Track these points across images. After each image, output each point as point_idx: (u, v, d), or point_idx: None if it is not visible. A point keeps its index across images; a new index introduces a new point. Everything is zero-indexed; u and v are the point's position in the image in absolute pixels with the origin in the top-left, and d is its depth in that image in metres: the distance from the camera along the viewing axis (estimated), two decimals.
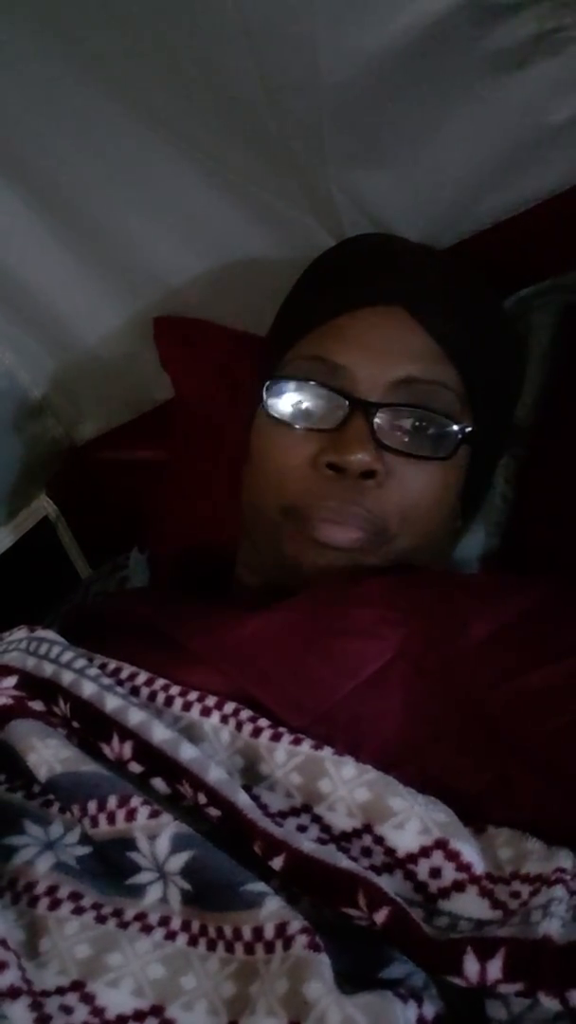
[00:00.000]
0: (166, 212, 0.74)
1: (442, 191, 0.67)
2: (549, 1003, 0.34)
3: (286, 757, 0.45)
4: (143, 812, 0.42)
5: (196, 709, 0.48)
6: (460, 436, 0.58)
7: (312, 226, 0.71)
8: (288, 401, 0.59)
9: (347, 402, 0.57)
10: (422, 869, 0.41)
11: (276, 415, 0.59)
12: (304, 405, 0.59)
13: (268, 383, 0.60)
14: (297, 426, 0.59)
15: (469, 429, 0.59)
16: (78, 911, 0.40)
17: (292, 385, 0.59)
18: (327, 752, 0.45)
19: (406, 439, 0.58)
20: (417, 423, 0.58)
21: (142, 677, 0.50)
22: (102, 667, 0.50)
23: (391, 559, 0.58)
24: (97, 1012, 0.37)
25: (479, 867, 0.41)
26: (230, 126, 0.65)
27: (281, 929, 0.38)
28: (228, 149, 0.67)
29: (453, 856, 0.41)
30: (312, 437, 0.58)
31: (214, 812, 0.43)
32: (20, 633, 0.53)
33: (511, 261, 0.68)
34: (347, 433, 0.56)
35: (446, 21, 0.54)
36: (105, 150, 0.70)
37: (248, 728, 0.47)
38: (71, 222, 0.76)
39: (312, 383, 0.58)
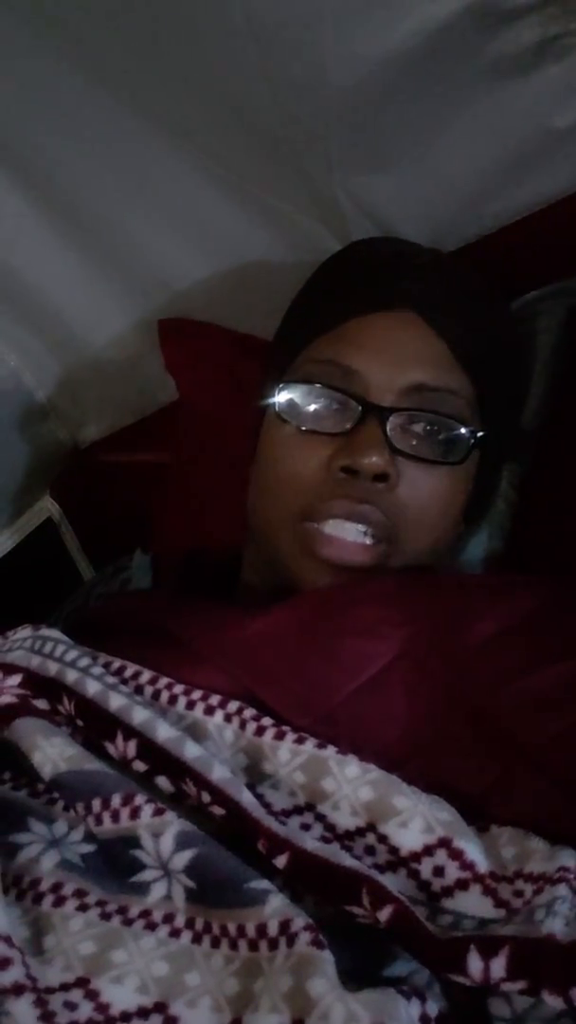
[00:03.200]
0: (172, 215, 0.74)
1: (447, 195, 0.67)
2: (553, 1001, 0.34)
3: (290, 756, 0.45)
4: (147, 810, 0.42)
5: (200, 708, 0.48)
6: (472, 441, 0.59)
7: (318, 230, 0.71)
8: (300, 405, 0.59)
9: (360, 406, 0.57)
10: (425, 868, 0.42)
11: (288, 418, 0.59)
12: (316, 409, 0.59)
13: (280, 387, 0.59)
14: (310, 430, 0.58)
15: (480, 434, 0.59)
16: (82, 908, 0.40)
17: (304, 389, 0.59)
18: (330, 751, 0.45)
19: (418, 444, 0.58)
20: (429, 427, 0.58)
21: (146, 676, 0.50)
22: (106, 666, 0.51)
23: (396, 564, 0.58)
24: (101, 1008, 0.37)
25: (482, 866, 0.41)
26: (237, 131, 0.65)
27: (285, 926, 0.38)
28: (235, 153, 0.68)
29: (456, 855, 0.41)
30: (324, 441, 0.58)
31: (218, 811, 0.43)
32: (25, 632, 0.53)
33: (515, 265, 0.69)
34: (361, 437, 0.56)
35: (451, 27, 0.54)
36: (112, 154, 0.70)
37: (252, 727, 0.47)
38: (77, 225, 0.77)
39: (325, 387, 0.58)
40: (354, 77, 0.58)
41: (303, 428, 0.58)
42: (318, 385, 0.59)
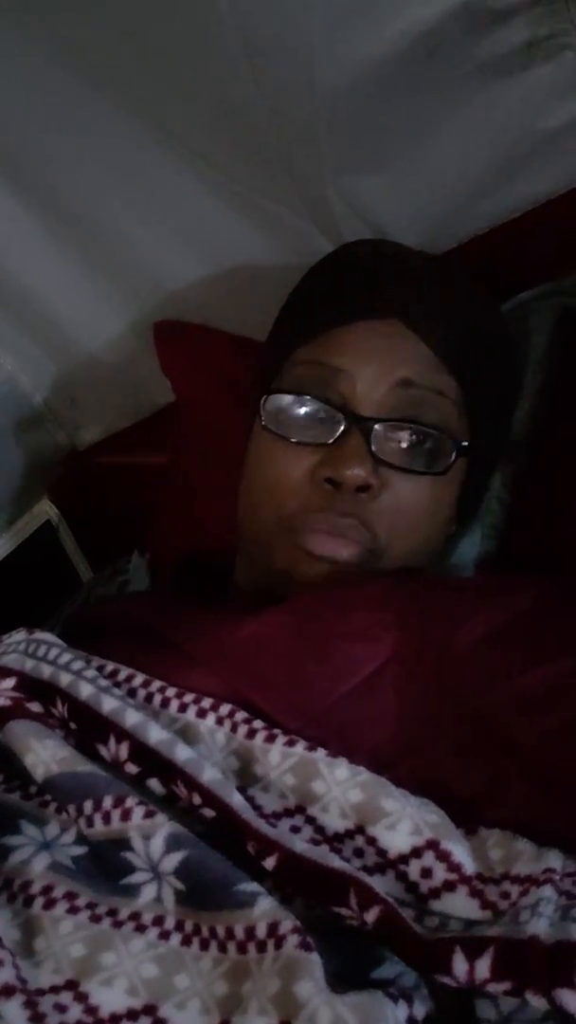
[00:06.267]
0: (166, 217, 0.74)
1: (438, 196, 0.67)
2: (536, 1002, 0.34)
3: (280, 758, 0.46)
4: (138, 812, 0.42)
5: (192, 711, 0.48)
6: (456, 452, 0.59)
7: (310, 231, 0.71)
8: (285, 415, 0.59)
9: (344, 418, 0.57)
10: (413, 869, 0.42)
11: (274, 428, 0.59)
12: (301, 420, 0.59)
13: (265, 397, 0.60)
14: (294, 440, 0.59)
15: (465, 444, 0.59)
16: (73, 911, 0.40)
17: (289, 399, 0.59)
18: (321, 754, 0.45)
19: (402, 453, 0.58)
20: (413, 437, 0.58)
21: (139, 679, 0.50)
22: (100, 669, 0.51)
23: (384, 569, 0.58)
24: (91, 1011, 0.37)
25: (470, 868, 0.42)
26: (229, 132, 0.65)
27: (273, 928, 0.38)
28: (227, 155, 0.68)
29: (444, 856, 0.42)
30: (309, 451, 0.58)
31: (208, 813, 0.43)
32: (19, 635, 0.53)
33: (508, 265, 0.69)
34: (344, 448, 0.56)
35: (440, 28, 0.54)
36: (105, 156, 0.70)
37: (243, 730, 0.47)
38: (71, 227, 0.77)
39: (310, 397, 0.59)
40: (344, 78, 0.58)
41: (289, 438, 0.59)
42: (303, 395, 0.59)
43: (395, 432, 0.58)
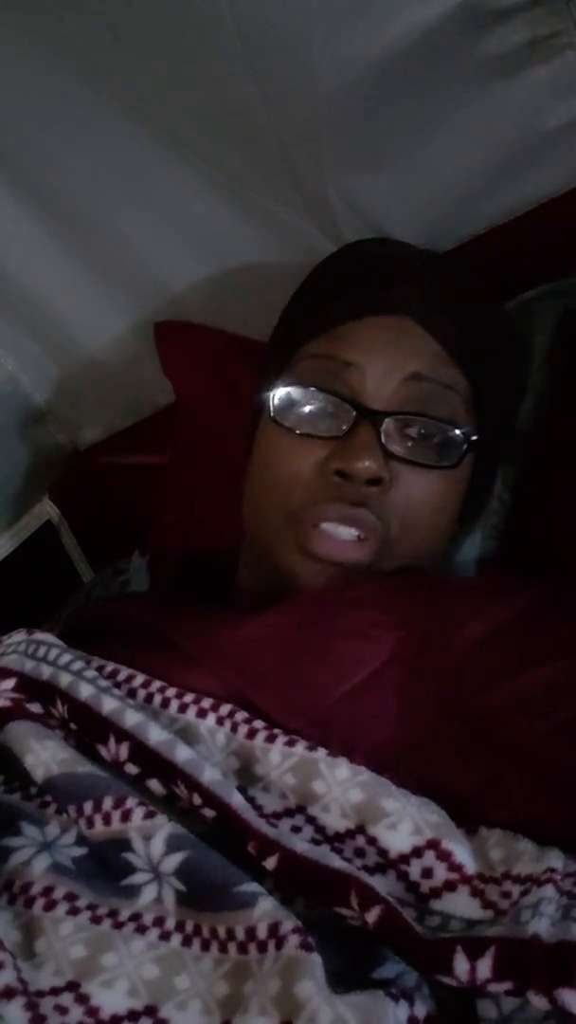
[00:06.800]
0: (166, 218, 0.74)
1: (439, 196, 0.67)
2: (538, 1002, 0.34)
3: (280, 758, 0.46)
4: (138, 813, 0.42)
5: (192, 711, 0.48)
6: (465, 444, 0.59)
7: (311, 231, 0.71)
8: (294, 408, 0.59)
9: (354, 411, 0.57)
10: (414, 869, 0.42)
11: (282, 421, 0.59)
12: (311, 412, 0.59)
13: (274, 390, 0.60)
14: (304, 433, 0.58)
15: (475, 438, 0.59)
16: (73, 912, 0.40)
17: (298, 392, 0.59)
18: (321, 753, 0.45)
19: (412, 447, 0.58)
20: (423, 431, 0.58)
21: (139, 679, 0.50)
22: (99, 669, 0.51)
23: (389, 566, 0.58)
24: (92, 1012, 0.37)
25: (470, 867, 0.42)
26: (229, 132, 0.65)
27: (274, 929, 0.38)
28: (228, 155, 0.68)
29: (445, 856, 0.42)
30: (318, 444, 0.58)
31: (209, 813, 0.43)
32: (19, 636, 0.53)
33: (509, 265, 0.69)
34: (355, 440, 0.56)
35: (440, 28, 0.54)
36: (105, 156, 0.70)
37: (243, 730, 0.47)
38: (72, 228, 0.77)
39: (319, 390, 0.58)
40: (344, 78, 0.58)
41: (298, 432, 0.59)
42: (312, 388, 0.59)
43: (405, 426, 0.58)
